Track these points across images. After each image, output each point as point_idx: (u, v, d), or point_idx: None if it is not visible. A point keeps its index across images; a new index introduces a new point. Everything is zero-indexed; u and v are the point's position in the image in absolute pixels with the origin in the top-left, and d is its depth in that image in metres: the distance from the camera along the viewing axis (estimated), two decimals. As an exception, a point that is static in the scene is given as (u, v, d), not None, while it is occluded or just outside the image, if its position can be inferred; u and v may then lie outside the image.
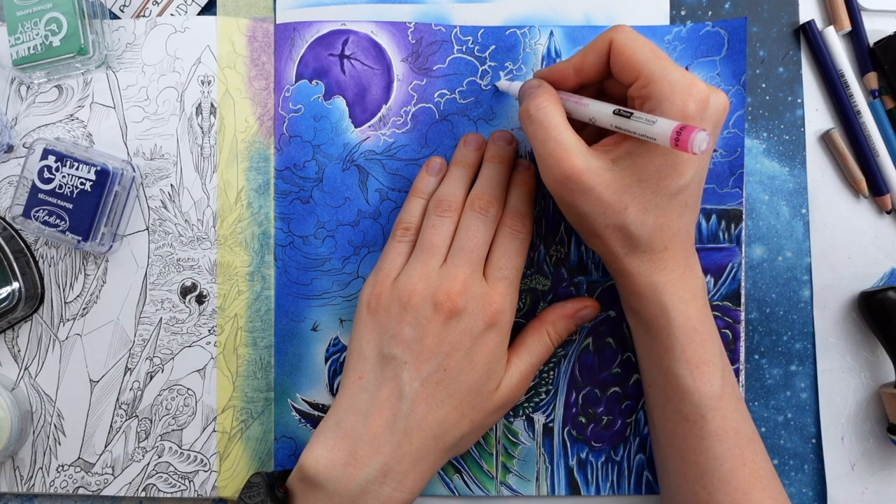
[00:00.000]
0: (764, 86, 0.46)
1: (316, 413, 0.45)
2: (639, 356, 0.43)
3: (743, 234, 0.45)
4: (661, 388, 0.40)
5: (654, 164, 0.35)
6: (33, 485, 0.46)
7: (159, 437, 0.45)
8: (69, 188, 0.43)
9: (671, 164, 0.35)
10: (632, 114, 0.35)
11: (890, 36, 0.45)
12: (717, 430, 0.38)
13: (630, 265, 0.38)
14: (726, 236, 0.45)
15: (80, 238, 0.43)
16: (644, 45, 0.36)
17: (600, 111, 0.36)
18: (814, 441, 0.46)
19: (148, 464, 0.45)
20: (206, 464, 0.45)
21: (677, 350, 0.38)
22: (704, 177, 0.38)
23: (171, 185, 0.46)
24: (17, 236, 0.46)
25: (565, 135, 0.36)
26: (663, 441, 0.41)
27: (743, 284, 0.45)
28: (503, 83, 0.45)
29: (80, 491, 0.45)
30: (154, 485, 0.45)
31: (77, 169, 0.43)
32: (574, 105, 0.38)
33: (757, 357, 0.46)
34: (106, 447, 0.46)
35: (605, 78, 0.39)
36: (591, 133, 0.41)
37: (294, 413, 0.45)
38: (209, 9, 0.46)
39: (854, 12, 0.45)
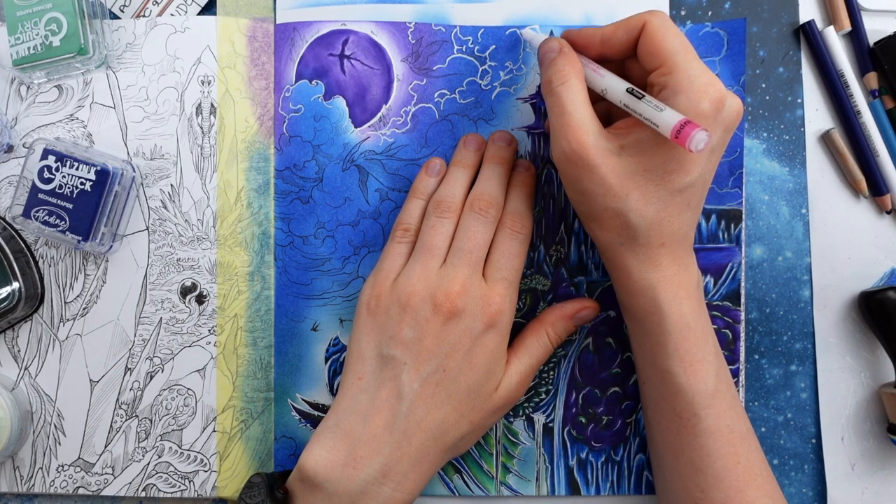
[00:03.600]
0: (764, 86, 0.46)
1: (316, 413, 0.45)
2: (634, 354, 0.43)
3: (743, 234, 0.45)
4: (656, 386, 0.40)
5: (661, 157, 0.35)
6: (33, 485, 0.46)
7: (159, 437, 0.45)
8: (69, 188, 0.43)
9: (677, 160, 0.35)
10: (643, 96, 0.35)
11: (890, 36, 0.45)
12: (711, 427, 0.38)
13: (626, 258, 0.38)
14: (726, 236, 0.45)
15: (80, 238, 0.43)
16: (675, 34, 0.36)
17: (614, 85, 0.36)
18: (814, 441, 0.46)
19: (148, 464, 0.45)
20: (206, 464, 0.45)
21: (670, 347, 0.38)
22: (710, 180, 0.38)
23: (171, 185, 0.46)
24: (17, 236, 0.46)
25: (581, 110, 0.36)
26: (658, 438, 0.41)
27: (743, 284, 0.45)
28: (528, 32, 0.44)
29: (80, 491, 0.45)
30: (154, 485, 0.45)
31: (77, 169, 0.43)
32: (591, 73, 0.38)
33: (757, 357, 0.46)
34: (106, 447, 0.46)
35: (629, 58, 0.39)
36: (600, 112, 0.41)
37: (294, 413, 0.45)
38: (209, 9, 0.46)
39: (854, 12, 0.45)
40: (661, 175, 0.36)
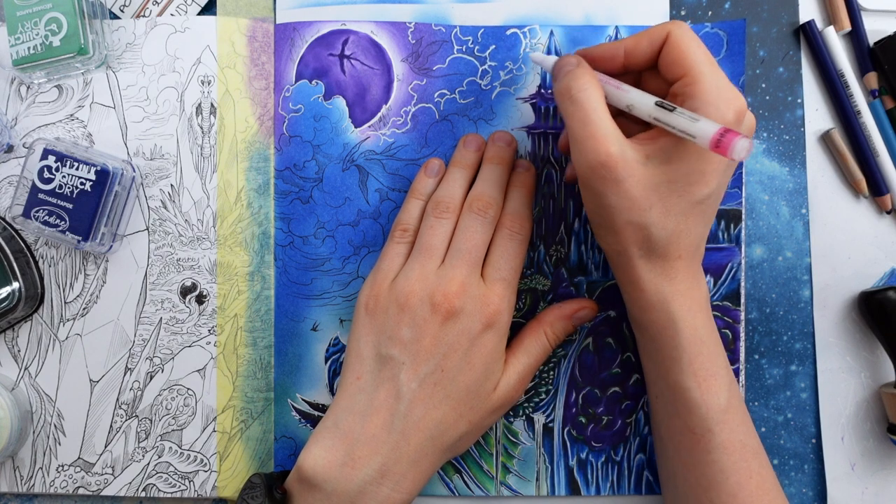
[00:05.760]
0: (764, 86, 0.46)
1: (316, 413, 0.45)
2: (645, 369, 0.42)
3: (742, 234, 0.45)
4: (668, 402, 0.40)
5: (686, 167, 0.35)
6: (33, 485, 0.46)
7: (159, 437, 0.45)
8: (69, 188, 0.43)
9: (700, 171, 0.35)
10: (675, 108, 0.34)
11: (890, 36, 0.45)
12: (724, 442, 0.38)
13: (641, 271, 0.38)
14: (726, 236, 0.45)
15: (80, 238, 0.43)
16: (699, 45, 0.36)
17: (641, 100, 0.36)
18: (814, 441, 0.46)
19: (148, 464, 0.45)
20: (206, 464, 0.45)
21: (685, 362, 0.38)
22: (724, 192, 0.38)
23: (171, 185, 0.46)
24: (17, 236, 0.46)
25: (605, 120, 0.35)
26: (671, 453, 0.41)
27: (743, 284, 0.45)
28: (537, 55, 0.42)
29: (80, 491, 0.46)
30: (154, 485, 0.45)
31: (77, 169, 0.43)
32: (613, 89, 0.37)
33: (757, 357, 0.46)
34: (106, 447, 0.46)
35: (646, 69, 0.38)
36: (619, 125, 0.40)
37: (294, 413, 0.45)
38: (209, 9, 0.46)
39: (854, 12, 0.45)
40: (683, 186, 0.35)
